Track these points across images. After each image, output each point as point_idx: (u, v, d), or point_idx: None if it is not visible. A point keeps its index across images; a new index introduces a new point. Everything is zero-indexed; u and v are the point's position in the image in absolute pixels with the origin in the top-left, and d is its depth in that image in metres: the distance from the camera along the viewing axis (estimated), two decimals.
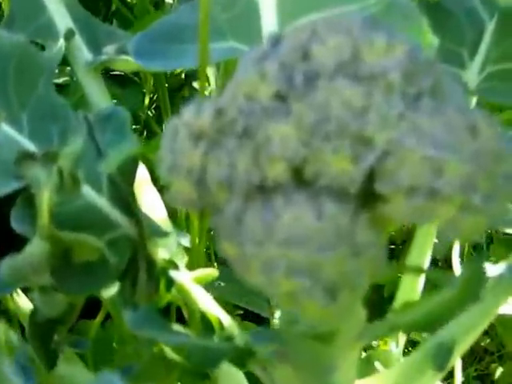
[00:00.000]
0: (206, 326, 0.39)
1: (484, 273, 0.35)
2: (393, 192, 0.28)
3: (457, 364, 0.59)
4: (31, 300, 0.40)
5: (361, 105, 0.28)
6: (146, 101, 0.79)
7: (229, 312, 0.45)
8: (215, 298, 0.42)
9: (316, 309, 0.28)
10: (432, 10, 0.57)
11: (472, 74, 0.55)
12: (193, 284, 0.40)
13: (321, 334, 0.34)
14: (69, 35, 0.51)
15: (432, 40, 0.41)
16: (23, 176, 0.34)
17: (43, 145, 0.39)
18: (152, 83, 0.73)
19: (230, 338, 0.36)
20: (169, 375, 0.41)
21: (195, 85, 0.72)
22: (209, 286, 0.44)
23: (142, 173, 0.47)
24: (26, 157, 0.34)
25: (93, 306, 0.49)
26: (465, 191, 0.28)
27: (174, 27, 0.46)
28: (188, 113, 0.31)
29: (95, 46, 0.53)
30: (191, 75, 0.74)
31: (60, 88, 0.65)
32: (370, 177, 0.28)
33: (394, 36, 0.30)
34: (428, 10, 0.57)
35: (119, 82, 0.74)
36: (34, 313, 0.37)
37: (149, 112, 0.81)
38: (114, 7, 0.86)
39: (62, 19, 0.53)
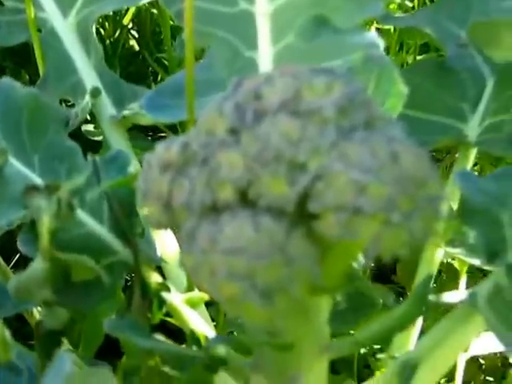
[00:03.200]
0: (195, 341, 0.43)
1: (428, 291, 0.39)
2: (322, 210, 0.32)
3: None
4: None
5: (296, 136, 0.33)
6: None
7: None
8: None
9: (255, 311, 0.32)
10: (436, 70, 0.62)
11: (473, 127, 0.59)
12: (184, 305, 0.44)
13: (281, 344, 0.38)
14: (95, 93, 0.57)
15: (402, 88, 0.45)
16: (29, 204, 0.40)
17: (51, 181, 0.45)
18: None
19: (206, 348, 0.40)
20: None
21: None
22: None
23: None
24: (31, 189, 0.40)
25: None
26: (385, 209, 0.32)
27: (181, 84, 0.52)
28: (160, 148, 0.36)
29: (120, 103, 0.59)
30: None
31: (97, 144, 0.71)
32: (304, 197, 0.32)
33: (336, 79, 0.35)
34: (432, 70, 0.62)
35: (157, 139, 0.80)
36: (38, 324, 0.42)
37: None
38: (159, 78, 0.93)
39: (90, 80, 0.59)
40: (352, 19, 0.50)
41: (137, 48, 0.99)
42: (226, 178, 0.33)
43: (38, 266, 0.40)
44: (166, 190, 0.35)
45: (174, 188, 0.35)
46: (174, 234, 0.36)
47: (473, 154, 0.60)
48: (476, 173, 0.83)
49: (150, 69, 0.97)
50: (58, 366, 0.28)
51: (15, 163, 0.45)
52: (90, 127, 0.78)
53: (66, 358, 0.27)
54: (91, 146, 0.69)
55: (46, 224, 0.39)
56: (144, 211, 0.36)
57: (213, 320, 0.54)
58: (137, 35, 1.00)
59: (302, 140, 0.33)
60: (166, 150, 0.36)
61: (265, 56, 0.52)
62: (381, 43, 0.48)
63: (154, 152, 0.36)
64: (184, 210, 0.34)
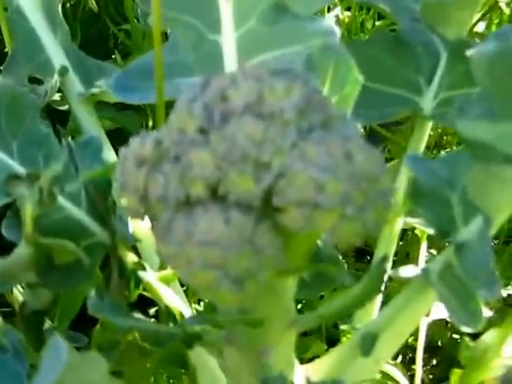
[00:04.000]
0: (170, 316, 0.47)
1: (384, 272, 0.43)
2: (285, 205, 0.35)
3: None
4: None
5: (260, 137, 0.36)
6: (150, 123, 0.87)
7: None
8: None
9: (227, 296, 0.36)
10: (393, 43, 0.64)
11: (427, 100, 0.62)
12: (158, 282, 0.48)
13: (252, 320, 0.42)
14: (63, 71, 0.60)
15: (358, 75, 0.48)
16: (11, 193, 0.43)
17: (31, 168, 0.48)
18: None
19: (183, 325, 0.44)
20: (143, 360, 0.50)
21: None
22: None
23: None
24: (13, 177, 0.43)
25: None
26: (341, 204, 0.35)
27: (148, 66, 0.55)
28: (134, 143, 0.39)
29: (87, 80, 0.61)
30: None
31: (63, 114, 0.74)
32: (269, 193, 0.36)
33: (296, 81, 0.38)
34: (389, 43, 0.64)
35: (123, 107, 0.83)
36: (23, 305, 0.45)
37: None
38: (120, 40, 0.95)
39: (58, 57, 0.62)
40: (310, 6, 0.53)
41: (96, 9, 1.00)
42: (198, 175, 0.36)
43: (22, 250, 0.43)
44: (142, 184, 0.38)
45: (150, 182, 0.38)
46: (151, 223, 0.39)
47: (428, 126, 0.64)
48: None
49: (111, 31, 0.99)
50: (54, 355, 0.31)
51: None
52: (55, 96, 0.80)
53: (62, 347, 0.30)
54: (58, 116, 0.71)
55: (29, 212, 0.42)
56: (122, 202, 0.39)
57: (182, 285, 0.57)
58: None
59: (266, 141, 0.36)
60: (141, 145, 0.38)
61: (228, 40, 0.55)
62: (337, 31, 0.51)
63: (129, 147, 0.39)
64: (159, 203, 0.37)
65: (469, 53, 0.50)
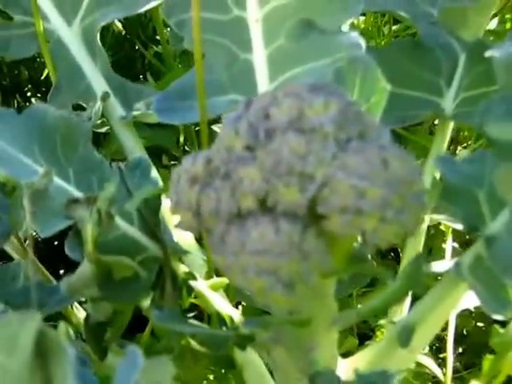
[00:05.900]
0: (220, 320, 0.50)
1: (420, 269, 0.46)
2: (330, 212, 0.38)
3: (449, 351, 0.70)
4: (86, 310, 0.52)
5: (303, 151, 0.39)
6: (181, 139, 0.91)
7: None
8: None
9: (280, 299, 0.39)
10: (413, 48, 0.67)
11: (448, 101, 0.64)
12: (208, 290, 0.51)
13: (300, 321, 0.45)
14: (105, 97, 0.63)
15: (385, 85, 0.51)
16: (72, 216, 0.46)
17: (86, 191, 0.51)
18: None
19: (235, 328, 0.47)
20: (196, 363, 0.53)
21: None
22: None
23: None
24: (72, 202, 0.46)
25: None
26: (381, 208, 0.38)
27: (187, 86, 0.58)
28: (186, 162, 0.42)
29: (127, 103, 0.65)
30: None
31: (103, 136, 0.77)
32: (314, 202, 0.39)
33: (332, 96, 0.41)
34: (408, 48, 0.67)
35: (156, 125, 0.86)
36: (87, 318, 0.49)
37: (185, 147, 0.93)
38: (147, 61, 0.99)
39: (98, 84, 0.65)
40: (336, 21, 0.56)
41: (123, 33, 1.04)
42: (248, 189, 0.39)
43: (85, 268, 0.46)
44: (195, 200, 0.41)
45: (202, 198, 0.41)
46: (205, 236, 0.42)
47: (450, 126, 0.66)
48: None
49: (139, 53, 1.02)
50: (130, 360, 0.34)
51: (54, 178, 0.51)
52: None
53: (138, 354, 0.34)
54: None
55: (89, 232, 0.45)
56: (176, 218, 0.42)
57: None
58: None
59: (309, 154, 0.39)
60: (192, 165, 0.42)
61: (259, 57, 0.58)
62: (363, 43, 0.54)
63: (181, 166, 0.42)
64: (212, 217, 0.40)
65: (488, 53, 0.53)
